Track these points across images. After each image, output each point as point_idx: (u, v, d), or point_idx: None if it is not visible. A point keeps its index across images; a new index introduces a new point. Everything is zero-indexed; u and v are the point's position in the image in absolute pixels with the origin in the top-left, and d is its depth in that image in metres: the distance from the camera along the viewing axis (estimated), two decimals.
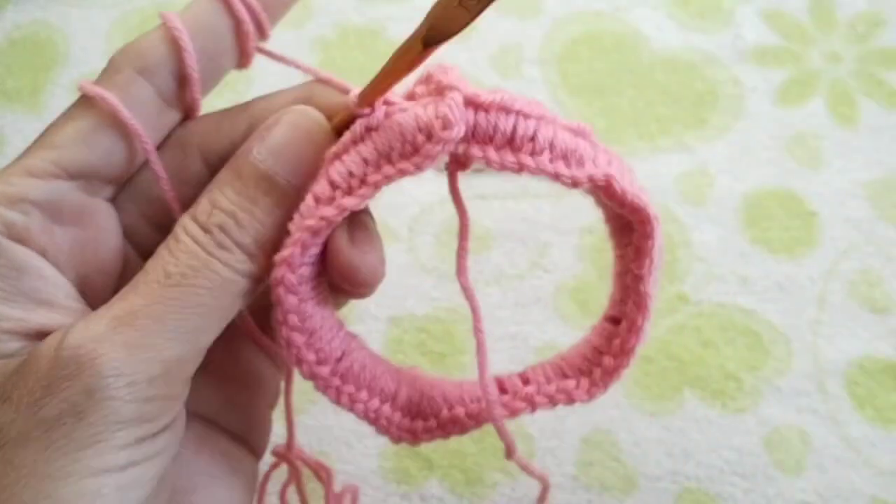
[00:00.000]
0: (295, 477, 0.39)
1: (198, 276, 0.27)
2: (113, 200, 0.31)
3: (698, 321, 0.51)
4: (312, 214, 0.28)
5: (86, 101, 0.29)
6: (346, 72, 0.59)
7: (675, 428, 0.49)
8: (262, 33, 0.31)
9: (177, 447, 0.29)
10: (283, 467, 0.40)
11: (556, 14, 0.61)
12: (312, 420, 0.49)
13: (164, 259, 0.28)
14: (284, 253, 0.28)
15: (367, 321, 0.51)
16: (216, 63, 0.31)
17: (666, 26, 0.61)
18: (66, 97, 0.59)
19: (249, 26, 0.30)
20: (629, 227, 0.31)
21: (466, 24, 0.26)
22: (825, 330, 0.51)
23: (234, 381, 0.29)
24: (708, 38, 0.60)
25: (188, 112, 0.31)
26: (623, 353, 0.31)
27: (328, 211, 0.28)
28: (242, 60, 0.32)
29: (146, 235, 0.32)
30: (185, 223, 0.28)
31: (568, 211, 0.54)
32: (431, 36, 0.27)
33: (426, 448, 0.48)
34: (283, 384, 0.36)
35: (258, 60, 0.32)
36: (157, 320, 0.26)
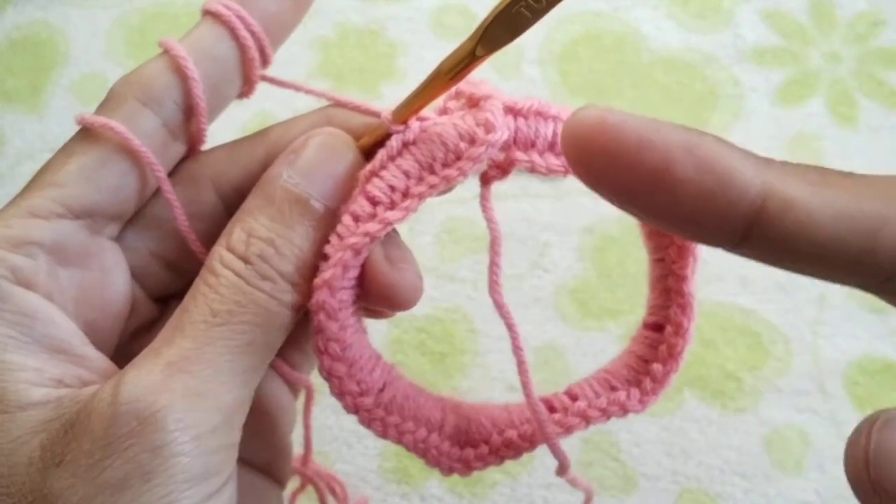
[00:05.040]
0: (318, 493, 0.39)
1: (245, 311, 0.25)
2: (118, 239, 0.29)
3: (698, 321, 0.51)
4: (354, 232, 0.27)
5: (86, 135, 0.28)
6: (346, 72, 0.59)
7: (674, 428, 0.49)
8: (264, 60, 0.30)
9: (236, 497, 0.26)
10: (295, 482, 0.39)
11: (556, 14, 0.61)
12: (312, 420, 0.49)
13: (207, 296, 0.26)
14: (325, 275, 0.27)
15: (367, 322, 0.51)
16: (220, 92, 0.29)
17: (666, 26, 0.61)
18: (66, 97, 0.59)
19: (254, 52, 0.29)
20: None
21: (527, 27, 0.24)
22: (825, 330, 0.51)
23: (255, 412, 0.27)
24: (708, 38, 0.60)
25: (193, 144, 0.30)
26: (671, 358, 0.31)
27: (372, 227, 0.27)
28: (245, 89, 0.30)
29: (156, 275, 0.30)
30: (222, 254, 0.26)
31: (568, 211, 0.54)
32: (488, 42, 0.25)
33: None
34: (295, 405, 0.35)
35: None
36: (211, 364, 0.25)
